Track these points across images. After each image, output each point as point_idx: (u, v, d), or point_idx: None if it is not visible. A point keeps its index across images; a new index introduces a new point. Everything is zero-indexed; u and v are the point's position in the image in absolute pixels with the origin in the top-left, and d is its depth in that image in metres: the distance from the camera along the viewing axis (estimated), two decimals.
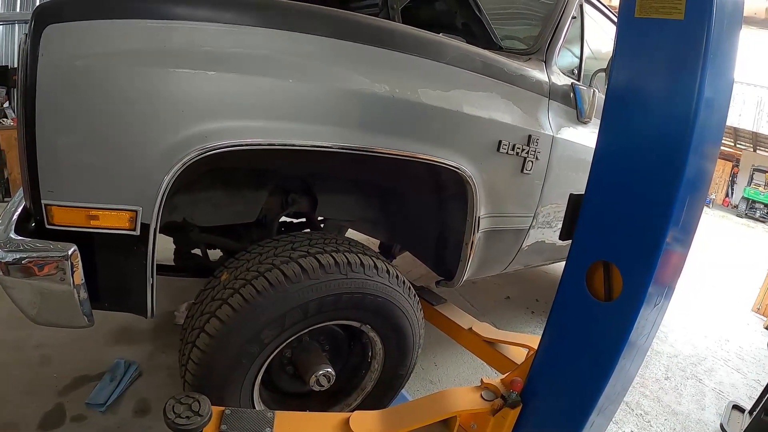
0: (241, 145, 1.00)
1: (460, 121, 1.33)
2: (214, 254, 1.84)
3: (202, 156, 0.97)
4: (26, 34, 0.88)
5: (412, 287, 1.48)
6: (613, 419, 1.94)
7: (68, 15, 0.87)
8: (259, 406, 1.35)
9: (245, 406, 1.28)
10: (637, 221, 0.94)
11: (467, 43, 1.49)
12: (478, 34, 1.65)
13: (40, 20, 0.85)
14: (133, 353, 2.04)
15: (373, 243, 2.50)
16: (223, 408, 1.16)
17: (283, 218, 1.99)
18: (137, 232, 0.99)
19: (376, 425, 1.20)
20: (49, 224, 0.95)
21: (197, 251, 1.84)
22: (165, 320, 2.27)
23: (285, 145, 1.06)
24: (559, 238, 1.13)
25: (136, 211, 0.97)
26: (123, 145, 0.93)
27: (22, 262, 0.91)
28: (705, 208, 4.28)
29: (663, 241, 0.89)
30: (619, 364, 1.00)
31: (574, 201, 1.06)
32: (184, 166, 0.97)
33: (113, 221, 0.97)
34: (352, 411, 1.33)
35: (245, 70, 0.99)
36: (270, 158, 1.27)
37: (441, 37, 1.36)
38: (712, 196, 16.44)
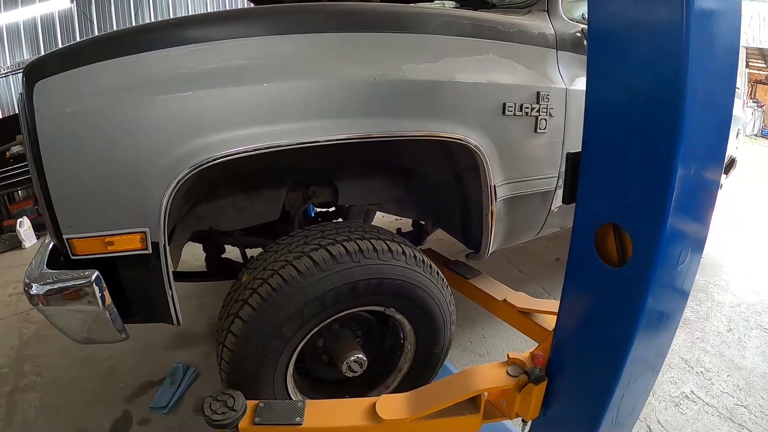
0: (229, 155, 1.04)
1: (454, 90, 1.28)
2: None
3: (194, 172, 1.03)
4: (21, 93, 0.97)
5: (433, 265, 1.46)
6: (672, 380, 1.84)
7: (51, 69, 0.96)
8: (294, 396, 1.41)
9: (281, 397, 1.34)
10: (637, 172, 0.84)
11: (460, 7, 1.43)
12: None
13: (30, 78, 0.96)
14: (190, 356, 2.20)
15: (406, 223, 2.50)
16: (257, 401, 1.22)
17: (318, 209, 2.03)
18: (149, 250, 1.07)
19: (402, 407, 1.21)
20: (74, 255, 1.06)
21: (227, 255, 1.94)
22: None
23: (270, 147, 1.08)
24: (562, 202, 1.07)
25: (144, 232, 1.05)
26: (120, 175, 1.00)
27: (55, 292, 1.03)
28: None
29: (669, 191, 0.79)
30: (642, 331, 0.92)
31: (573, 159, 0.99)
32: (179, 184, 1.03)
33: (127, 244, 1.06)
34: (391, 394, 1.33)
35: (219, 84, 1.03)
36: (279, 158, 1.29)
37: (421, 8, 1.32)
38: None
